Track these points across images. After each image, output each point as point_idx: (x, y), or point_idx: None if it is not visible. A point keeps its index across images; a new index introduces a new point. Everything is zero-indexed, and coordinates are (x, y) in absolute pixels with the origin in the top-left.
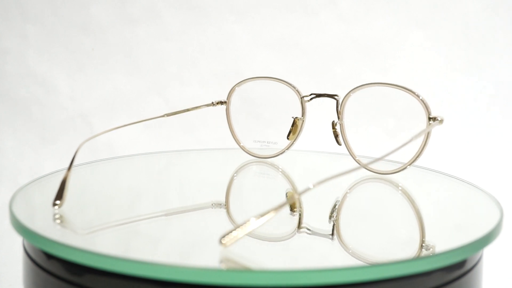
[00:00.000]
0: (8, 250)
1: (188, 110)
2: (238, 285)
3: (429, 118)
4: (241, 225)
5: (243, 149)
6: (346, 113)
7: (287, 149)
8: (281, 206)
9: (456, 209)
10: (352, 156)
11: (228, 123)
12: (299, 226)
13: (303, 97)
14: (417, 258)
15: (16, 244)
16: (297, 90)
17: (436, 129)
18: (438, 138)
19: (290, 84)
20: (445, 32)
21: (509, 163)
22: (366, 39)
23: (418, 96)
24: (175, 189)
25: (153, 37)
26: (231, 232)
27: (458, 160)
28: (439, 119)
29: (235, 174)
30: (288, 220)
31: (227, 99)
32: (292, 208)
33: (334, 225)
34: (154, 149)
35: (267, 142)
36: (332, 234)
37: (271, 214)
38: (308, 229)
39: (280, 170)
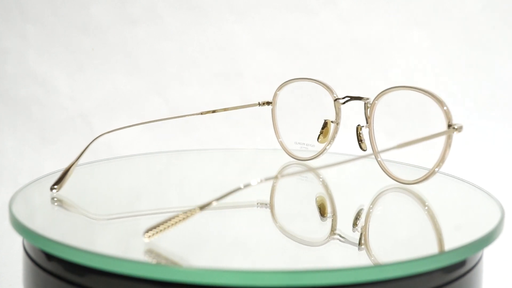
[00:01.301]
0: (8, 250)
1: (234, 108)
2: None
3: (449, 126)
4: (167, 220)
5: (284, 150)
6: (375, 117)
7: (321, 153)
8: (206, 206)
9: (456, 209)
10: (379, 163)
11: (273, 124)
12: (331, 232)
13: (336, 99)
14: (417, 259)
15: (16, 244)
16: (331, 91)
17: (435, 127)
18: (438, 137)
19: (325, 85)
20: (445, 32)
21: (510, 163)
22: (366, 39)
23: (441, 102)
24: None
25: (153, 37)
26: (156, 226)
27: (458, 160)
28: (456, 127)
29: (278, 175)
30: (320, 225)
31: (272, 99)
32: (322, 214)
33: (361, 232)
34: (154, 149)
35: (306, 144)
36: (360, 244)
37: (196, 211)
38: (341, 236)
39: (316, 173)
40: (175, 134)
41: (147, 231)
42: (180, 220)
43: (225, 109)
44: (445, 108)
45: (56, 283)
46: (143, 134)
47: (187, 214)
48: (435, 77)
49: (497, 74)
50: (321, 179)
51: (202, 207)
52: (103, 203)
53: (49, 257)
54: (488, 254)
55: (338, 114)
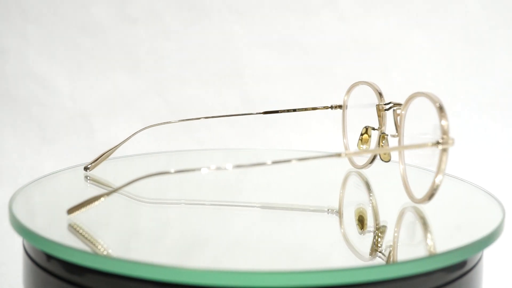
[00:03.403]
0: (8, 250)
1: (302, 109)
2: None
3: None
4: (88, 200)
5: (347, 156)
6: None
7: (370, 163)
8: (115, 189)
9: (457, 209)
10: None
11: (342, 128)
12: (374, 249)
13: (378, 104)
14: (417, 259)
15: (16, 244)
16: (380, 97)
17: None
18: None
19: (376, 89)
20: (445, 32)
21: (511, 163)
22: (366, 39)
23: (443, 116)
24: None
25: (153, 37)
26: (79, 205)
27: (459, 160)
28: (441, 147)
29: (345, 181)
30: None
31: (343, 103)
32: (361, 226)
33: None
34: (155, 149)
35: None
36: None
37: (104, 195)
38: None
39: (368, 181)
40: (175, 134)
41: (69, 210)
42: (98, 199)
43: (288, 110)
44: (443, 122)
45: (56, 283)
46: (143, 134)
47: (105, 194)
48: (435, 77)
49: (497, 74)
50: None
51: (107, 194)
52: (102, 203)
53: (49, 257)
54: (488, 254)
55: (380, 120)
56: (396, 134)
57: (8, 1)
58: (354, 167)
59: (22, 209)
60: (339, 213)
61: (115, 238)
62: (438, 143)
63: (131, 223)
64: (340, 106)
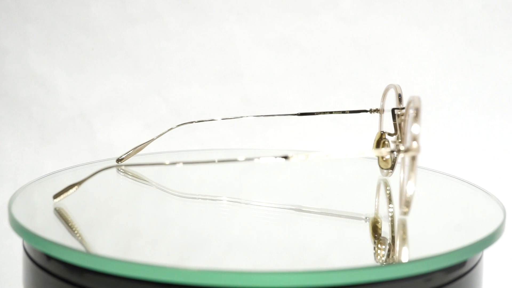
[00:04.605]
0: (8, 250)
1: (338, 112)
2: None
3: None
4: (71, 185)
5: (378, 159)
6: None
7: (391, 169)
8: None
9: (457, 209)
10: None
11: (379, 131)
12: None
13: (394, 109)
14: (417, 259)
15: (16, 244)
16: (399, 99)
17: (435, 128)
18: (438, 138)
19: (399, 93)
20: (445, 32)
21: (511, 163)
22: (366, 39)
23: (416, 121)
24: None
25: (153, 37)
26: (62, 191)
27: (459, 160)
28: (411, 154)
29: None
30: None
31: (380, 107)
32: (376, 236)
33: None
34: (154, 149)
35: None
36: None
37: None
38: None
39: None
40: (176, 134)
41: (55, 196)
42: (72, 187)
43: (324, 113)
44: (414, 127)
45: (56, 283)
46: (143, 134)
47: (77, 184)
48: (435, 76)
49: (497, 74)
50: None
51: (79, 183)
52: (102, 204)
53: (49, 257)
54: (488, 254)
55: (395, 125)
56: (396, 138)
57: (8, 1)
58: (381, 174)
59: (22, 210)
60: (375, 219)
61: (115, 239)
62: (403, 150)
63: (130, 223)
64: (377, 110)
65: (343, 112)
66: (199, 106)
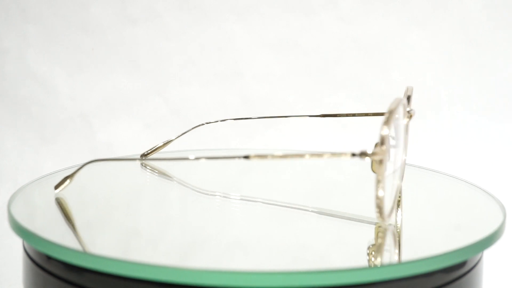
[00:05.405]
0: (8, 250)
1: (361, 114)
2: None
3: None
4: (69, 174)
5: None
6: None
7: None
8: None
9: (457, 209)
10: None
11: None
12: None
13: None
14: (417, 259)
15: (16, 244)
16: (407, 101)
17: (435, 128)
18: (438, 138)
19: (408, 96)
20: (445, 32)
21: (511, 163)
22: (366, 39)
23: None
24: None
25: (153, 37)
26: (62, 181)
27: (459, 161)
28: (377, 158)
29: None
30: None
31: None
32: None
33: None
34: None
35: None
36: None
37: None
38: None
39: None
40: (175, 134)
41: (56, 186)
42: (76, 171)
43: (347, 115)
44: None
45: (56, 283)
46: (143, 134)
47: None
48: (435, 76)
49: (497, 74)
50: None
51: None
52: (102, 204)
53: (49, 257)
54: (488, 254)
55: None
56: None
57: (8, 1)
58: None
59: (21, 210)
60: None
61: (115, 239)
62: (369, 154)
63: (131, 224)
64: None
65: (366, 114)
66: (199, 106)
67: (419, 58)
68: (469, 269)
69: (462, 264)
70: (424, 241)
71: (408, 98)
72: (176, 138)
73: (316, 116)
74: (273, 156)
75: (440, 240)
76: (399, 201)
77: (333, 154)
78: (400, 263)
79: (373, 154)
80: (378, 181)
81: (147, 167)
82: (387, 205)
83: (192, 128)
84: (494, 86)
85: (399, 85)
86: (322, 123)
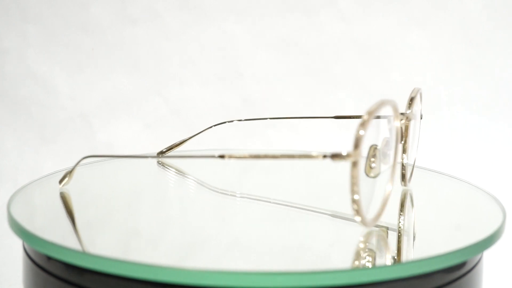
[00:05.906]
0: (8, 250)
1: (377, 117)
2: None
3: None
4: (69, 170)
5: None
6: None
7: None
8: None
9: (457, 209)
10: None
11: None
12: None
13: (402, 114)
14: (417, 260)
15: (16, 244)
16: (409, 103)
17: (435, 128)
18: (438, 138)
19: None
20: (445, 32)
21: (511, 163)
22: (366, 38)
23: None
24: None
25: (153, 37)
26: (64, 176)
27: (459, 161)
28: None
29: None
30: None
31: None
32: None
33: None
34: (154, 149)
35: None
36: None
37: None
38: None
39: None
40: (176, 134)
41: (60, 181)
42: (73, 169)
43: (358, 117)
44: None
45: (56, 283)
46: (143, 134)
47: (68, 173)
48: (435, 76)
49: (497, 74)
50: None
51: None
52: (102, 204)
53: (49, 257)
54: (488, 255)
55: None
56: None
57: (8, 1)
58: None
59: (21, 210)
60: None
61: (115, 239)
62: (344, 156)
63: (131, 224)
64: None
65: (378, 117)
66: (199, 106)
67: (419, 58)
68: (469, 269)
69: (462, 265)
70: (424, 241)
71: (411, 100)
72: (193, 136)
73: (329, 118)
74: (246, 156)
75: (440, 240)
76: (402, 202)
77: (304, 156)
78: (400, 263)
79: (347, 156)
80: (353, 184)
81: (164, 165)
82: (365, 209)
83: (208, 128)
84: (494, 86)
85: (399, 85)
86: (331, 124)
